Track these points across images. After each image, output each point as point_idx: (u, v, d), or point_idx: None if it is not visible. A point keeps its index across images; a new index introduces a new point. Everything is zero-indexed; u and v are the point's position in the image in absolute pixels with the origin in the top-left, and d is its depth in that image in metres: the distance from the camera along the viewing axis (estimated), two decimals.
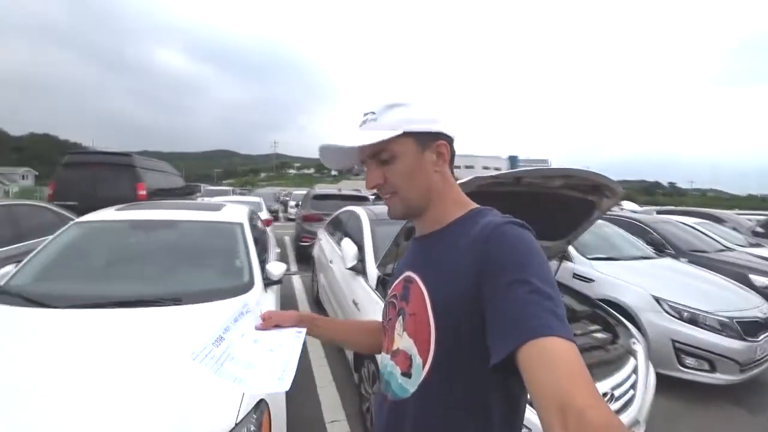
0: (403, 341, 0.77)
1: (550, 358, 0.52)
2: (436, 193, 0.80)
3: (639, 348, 2.23)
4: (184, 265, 2.69)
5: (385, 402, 0.82)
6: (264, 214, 8.40)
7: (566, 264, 4.30)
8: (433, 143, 0.78)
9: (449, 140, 0.81)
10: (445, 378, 0.70)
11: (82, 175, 7.23)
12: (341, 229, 4.53)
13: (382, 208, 4.17)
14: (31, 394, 1.43)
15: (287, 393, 1.15)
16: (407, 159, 0.77)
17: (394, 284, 0.89)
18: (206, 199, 10.05)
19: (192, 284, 2.46)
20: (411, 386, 0.74)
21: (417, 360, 0.73)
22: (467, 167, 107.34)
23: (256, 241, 3.13)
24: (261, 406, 1.57)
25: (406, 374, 0.75)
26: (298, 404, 2.82)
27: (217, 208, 3.62)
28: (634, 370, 2.07)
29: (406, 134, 0.75)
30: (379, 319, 1.02)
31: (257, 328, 0.94)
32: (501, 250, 0.64)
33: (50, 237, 2.85)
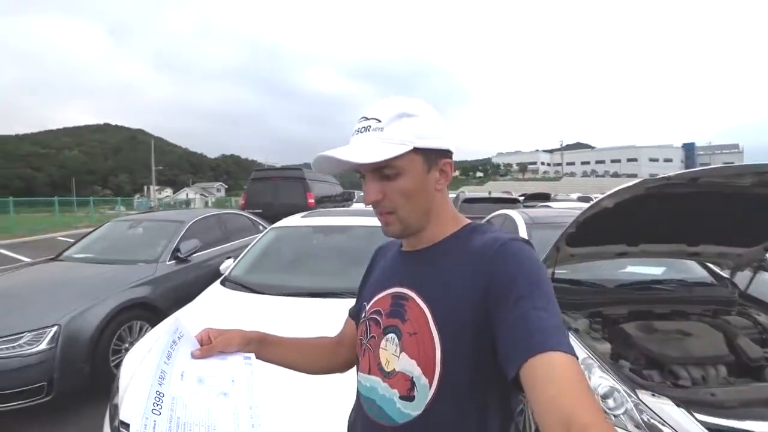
0: (401, 363, 0.71)
1: (555, 373, 0.52)
2: (434, 212, 0.76)
3: None
4: (357, 264, 3.07)
5: (379, 429, 0.75)
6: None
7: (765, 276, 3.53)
8: (440, 161, 0.74)
9: (451, 156, 0.77)
10: (452, 398, 0.67)
11: (264, 187, 8.84)
12: None
13: (537, 212, 4.05)
14: None
15: None
16: (412, 177, 0.71)
17: (375, 299, 0.82)
18: (362, 205, 11.07)
19: None
20: (413, 410, 0.69)
21: (421, 381, 0.68)
22: (630, 160, 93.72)
23: None
24: None
25: (407, 398, 0.70)
26: None
27: None
28: None
29: (415, 150, 0.70)
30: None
31: (194, 357, 0.74)
32: (508, 267, 0.64)
33: (254, 238, 3.55)
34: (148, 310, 3.60)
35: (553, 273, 2.52)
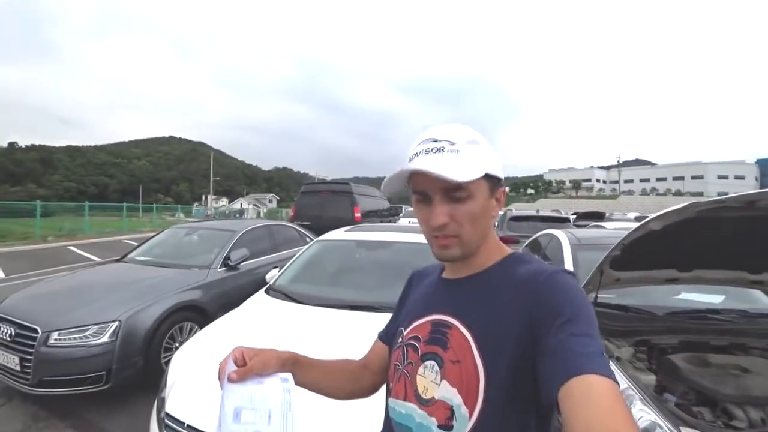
0: (441, 391, 0.71)
1: (594, 396, 0.52)
2: (487, 239, 0.78)
3: None
4: (396, 280, 3.12)
5: None
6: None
7: None
8: (497, 189, 0.77)
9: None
10: (491, 427, 0.67)
11: (313, 200, 9.12)
12: (540, 252, 4.40)
13: (584, 233, 3.90)
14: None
15: None
16: (480, 201, 0.73)
17: (414, 325, 0.82)
18: (409, 219, 11.10)
19: None
20: None
21: (462, 411, 0.68)
22: (695, 177, 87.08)
23: None
24: None
25: (445, 426, 0.70)
26: None
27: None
28: None
29: (484, 177, 0.72)
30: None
31: (231, 381, 0.71)
32: (553, 298, 0.64)
33: (299, 250, 3.69)
34: (198, 313, 3.83)
35: (596, 297, 2.42)
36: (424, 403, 0.73)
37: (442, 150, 0.71)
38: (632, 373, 1.92)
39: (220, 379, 0.71)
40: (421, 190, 0.73)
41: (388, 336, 0.95)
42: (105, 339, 3.05)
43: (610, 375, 0.54)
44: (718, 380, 1.89)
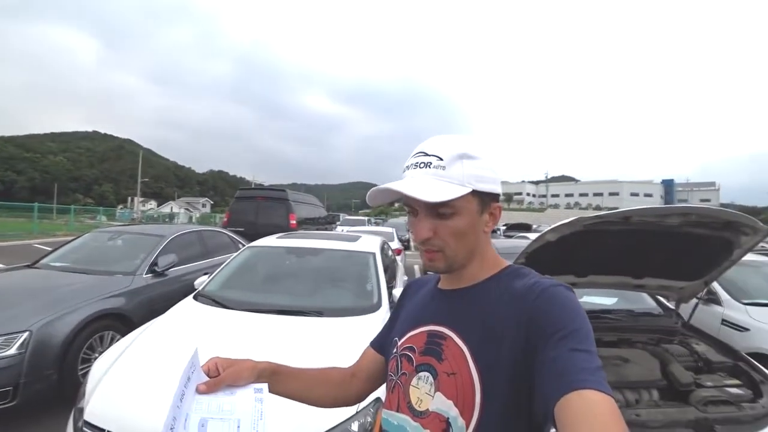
0: (436, 402, 0.71)
1: (590, 411, 0.52)
2: (479, 252, 0.77)
3: None
4: (326, 285, 3.24)
5: None
6: (395, 244, 9.02)
7: (714, 308, 3.78)
8: (491, 204, 0.76)
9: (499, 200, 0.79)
10: None
11: (248, 206, 8.95)
12: None
13: (503, 243, 4.26)
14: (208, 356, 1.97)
15: None
16: (467, 218, 0.73)
17: (409, 335, 0.81)
18: (345, 228, 11.20)
19: (331, 301, 2.99)
20: None
21: (458, 423, 0.68)
22: (612, 194, 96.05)
23: (386, 269, 3.53)
24: (378, 402, 1.77)
25: None
26: None
27: (354, 239, 4.17)
28: None
29: (473, 193, 0.71)
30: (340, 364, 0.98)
31: (200, 392, 0.69)
32: (550, 311, 0.65)
33: (230, 256, 3.67)
34: (122, 321, 3.65)
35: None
36: (418, 415, 0.73)
37: (429, 165, 0.71)
38: None
39: (178, 388, 0.66)
40: (409, 203, 0.75)
41: (381, 345, 0.94)
42: (12, 351, 2.81)
43: (608, 391, 0.55)
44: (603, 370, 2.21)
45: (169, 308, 2.94)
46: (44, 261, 4.48)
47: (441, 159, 0.71)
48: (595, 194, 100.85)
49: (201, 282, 3.32)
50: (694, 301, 2.88)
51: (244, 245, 5.53)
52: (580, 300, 3.02)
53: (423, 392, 0.74)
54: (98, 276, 3.95)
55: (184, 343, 2.32)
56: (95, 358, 3.25)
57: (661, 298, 3.08)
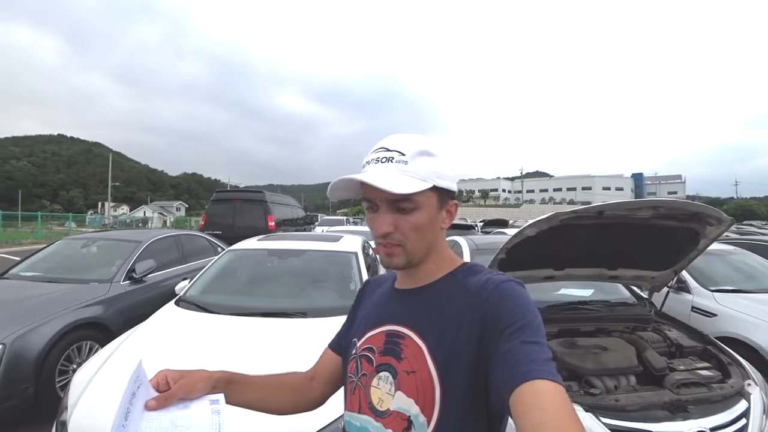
0: (397, 401, 0.72)
1: (542, 400, 0.54)
2: (435, 249, 0.79)
3: (755, 391, 2.04)
4: (308, 286, 3.25)
5: None
6: (374, 243, 9.06)
7: (684, 296, 3.96)
8: (449, 201, 0.78)
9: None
10: None
11: (225, 208, 8.81)
12: None
13: (482, 239, 4.34)
14: (196, 364, 1.96)
15: None
16: (427, 213, 0.73)
17: (368, 336, 0.82)
18: (324, 228, 11.16)
19: (315, 302, 3.00)
20: None
21: (420, 420, 0.69)
22: (585, 189, 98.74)
23: (368, 267, 3.56)
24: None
25: None
26: None
27: (335, 239, 4.18)
28: (745, 414, 1.92)
29: (433, 188, 0.73)
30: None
31: (149, 409, 0.65)
32: (503, 306, 0.67)
33: (211, 260, 3.62)
34: (100, 331, 3.56)
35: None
36: (380, 415, 0.73)
37: (391, 160, 0.72)
38: None
39: (121, 405, 0.61)
40: (370, 198, 0.74)
41: (340, 346, 0.93)
42: None
43: (559, 380, 0.57)
44: (582, 358, 2.29)
45: (148, 315, 2.88)
46: (13, 271, 4.33)
47: (403, 154, 0.72)
48: (569, 189, 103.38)
49: (182, 287, 3.26)
50: (666, 289, 3.02)
51: (222, 248, 5.47)
52: (559, 292, 3.13)
53: (384, 392, 0.74)
54: (73, 285, 3.84)
55: (170, 350, 2.29)
56: (73, 370, 3.18)
57: (635, 288, 3.22)
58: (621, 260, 2.68)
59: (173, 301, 3.05)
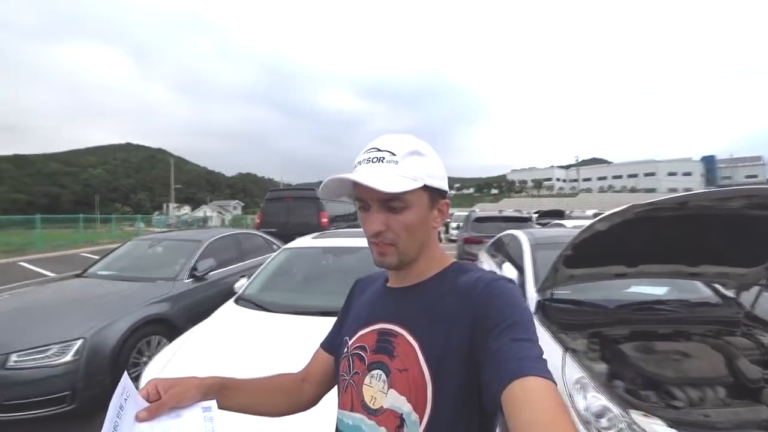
0: (389, 399, 0.72)
1: (533, 396, 0.54)
2: (427, 248, 0.80)
3: None
4: None
5: None
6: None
7: None
8: (440, 200, 0.79)
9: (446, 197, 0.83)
10: (443, 430, 0.69)
11: (279, 207, 9.03)
12: (502, 251, 4.59)
13: (542, 232, 4.11)
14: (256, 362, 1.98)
15: None
16: (418, 212, 0.74)
17: (359, 334, 0.82)
18: None
19: None
20: None
21: (411, 418, 0.69)
22: (648, 175, 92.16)
23: None
24: None
25: None
26: None
27: None
28: None
29: (424, 187, 0.74)
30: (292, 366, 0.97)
31: (139, 420, 0.64)
32: (493, 304, 0.67)
33: (267, 257, 3.70)
34: (166, 326, 3.76)
35: (552, 294, 2.58)
36: (373, 413, 0.74)
37: (382, 160, 0.73)
38: (586, 363, 2.08)
39: (108, 419, 0.61)
40: (362, 198, 0.75)
41: (332, 345, 0.94)
42: (68, 358, 2.95)
43: (549, 377, 0.58)
44: (661, 365, 2.08)
45: (209, 312, 2.99)
46: (91, 270, 4.68)
47: (394, 154, 0.73)
48: (630, 176, 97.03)
49: (241, 285, 3.36)
50: (757, 288, 2.68)
51: (278, 246, 5.60)
52: (629, 290, 2.88)
53: (376, 390, 0.74)
54: (141, 283, 4.09)
55: (230, 348, 2.35)
56: (144, 362, 3.37)
57: (718, 286, 2.89)
58: (704, 256, 2.40)
59: (232, 300, 3.14)
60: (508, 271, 3.29)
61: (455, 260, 0.84)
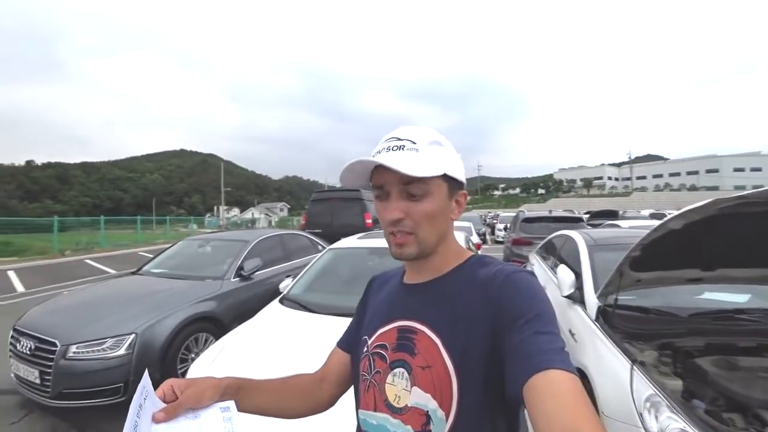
0: (414, 397, 0.71)
1: (556, 389, 0.53)
2: (446, 239, 0.78)
3: None
4: None
5: None
6: (475, 238, 8.78)
7: None
8: (458, 191, 0.79)
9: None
10: (468, 427, 0.67)
11: (323, 208, 9.14)
12: (555, 254, 4.33)
13: (600, 233, 3.83)
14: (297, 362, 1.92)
15: None
16: (438, 200, 0.73)
17: (379, 332, 0.80)
18: None
19: None
20: None
21: (438, 414, 0.68)
22: (710, 171, 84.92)
23: None
24: None
25: None
26: None
27: None
28: None
29: (444, 177, 0.73)
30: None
31: (157, 421, 0.62)
32: (514, 297, 0.66)
33: (312, 258, 3.68)
34: (213, 324, 3.83)
35: (616, 299, 2.36)
36: (397, 412, 0.72)
37: (403, 148, 0.72)
38: (657, 378, 1.86)
39: (129, 418, 0.61)
40: (380, 184, 0.74)
41: (349, 345, 0.92)
42: (122, 351, 3.07)
43: (572, 370, 0.56)
44: (748, 384, 1.82)
45: (255, 311, 3.00)
46: (146, 268, 4.88)
47: (414, 143, 0.72)
48: (689, 173, 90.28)
49: (285, 285, 3.36)
50: None
51: (323, 247, 5.60)
52: (702, 297, 2.58)
53: (400, 388, 0.73)
54: (191, 281, 4.20)
55: (273, 348, 2.32)
56: (192, 359, 3.44)
57: None
58: None
59: (277, 299, 3.13)
60: (564, 274, 3.06)
61: (474, 254, 0.82)
